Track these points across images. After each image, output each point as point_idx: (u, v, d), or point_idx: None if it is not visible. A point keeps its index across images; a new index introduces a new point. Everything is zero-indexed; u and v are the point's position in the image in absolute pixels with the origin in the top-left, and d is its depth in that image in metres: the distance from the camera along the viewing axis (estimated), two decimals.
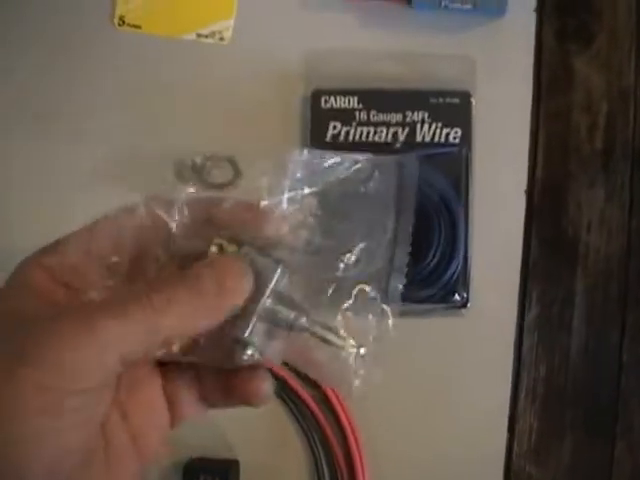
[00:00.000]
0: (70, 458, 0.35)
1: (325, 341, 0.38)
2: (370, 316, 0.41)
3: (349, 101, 0.64)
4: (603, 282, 0.67)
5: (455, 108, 0.63)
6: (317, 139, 0.63)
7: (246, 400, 0.39)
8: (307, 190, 0.39)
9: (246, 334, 0.37)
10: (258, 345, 0.37)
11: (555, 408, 0.66)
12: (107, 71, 0.66)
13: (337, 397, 0.63)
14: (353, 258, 0.40)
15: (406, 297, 0.60)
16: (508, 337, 0.63)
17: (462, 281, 0.61)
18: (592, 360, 0.66)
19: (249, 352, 0.37)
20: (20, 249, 0.38)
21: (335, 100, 0.64)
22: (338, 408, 0.63)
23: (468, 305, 0.62)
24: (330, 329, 0.39)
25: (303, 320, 0.38)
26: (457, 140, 0.63)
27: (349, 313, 0.40)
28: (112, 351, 0.34)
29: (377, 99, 0.64)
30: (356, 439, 0.62)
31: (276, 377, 0.63)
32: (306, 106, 0.64)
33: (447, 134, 0.63)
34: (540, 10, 0.70)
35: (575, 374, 0.66)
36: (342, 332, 0.39)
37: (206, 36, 0.66)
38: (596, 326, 0.67)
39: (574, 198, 0.67)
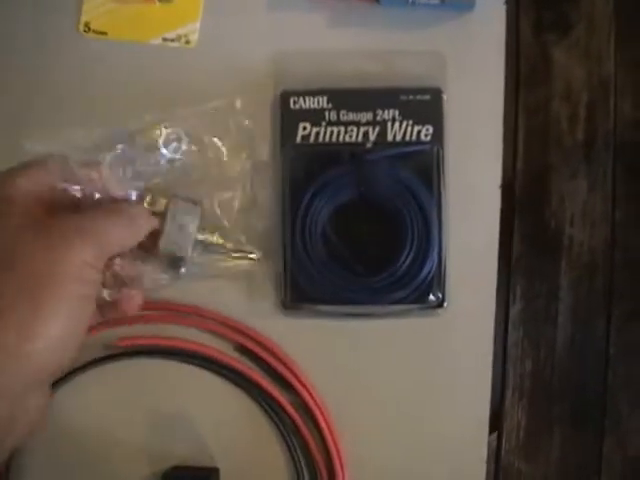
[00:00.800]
0: None
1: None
2: None
3: (318, 101, 0.63)
4: (588, 275, 0.67)
5: (426, 105, 0.62)
6: (287, 140, 0.63)
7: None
8: None
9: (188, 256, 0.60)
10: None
11: (542, 403, 0.65)
12: (73, 78, 0.65)
13: (316, 402, 0.62)
14: None
15: (380, 299, 0.60)
16: (486, 336, 0.62)
17: (437, 281, 0.60)
18: (578, 353, 0.66)
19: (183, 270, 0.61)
20: None
21: (304, 100, 0.63)
22: (317, 413, 0.62)
23: (444, 305, 0.61)
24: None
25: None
26: (429, 138, 0.62)
27: None
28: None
29: (346, 98, 0.62)
30: (335, 444, 0.61)
31: (254, 384, 0.62)
32: (275, 107, 0.63)
33: (418, 132, 0.62)
34: (516, 1, 0.69)
35: (561, 368, 0.65)
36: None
37: (172, 40, 0.65)
38: (582, 319, 0.66)
39: (556, 190, 0.67)
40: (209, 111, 0.64)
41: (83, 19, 0.66)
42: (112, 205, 0.55)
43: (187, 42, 0.65)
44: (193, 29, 0.65)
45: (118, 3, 0.66)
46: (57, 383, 0.62)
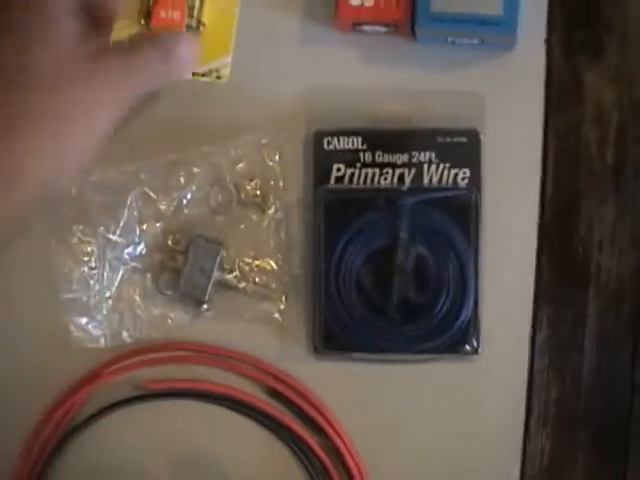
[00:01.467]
0: None
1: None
2: None
3: (353, 142, 0.61)
4: (615, 302, 0.66)
5: (463, 147, 0.61)
6: (320, 181, 0.61)
7: None
8: None
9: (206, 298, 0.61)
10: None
11: (567, 430, 0.65)
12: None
13: (346, 446, 0.61)
14: None
15: (414, 347, 0.60)
16: (520, 382, 0.62)
17: (473, 328, 0.59)
18: (604, 381, 0.65)
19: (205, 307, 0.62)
20: None
21: (338, 141, 0.61)
22: (347, 457, 0.61)
23: (479, 351, 0.60)
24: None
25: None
26: (466, 181, 0.61)
27: None
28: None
29: (382, 139, 0.61)
30: None
31: (284, 427, 0.62)
32: (308, 147, 0.62)
33: (455, 175, 0.61)
34: (548, 22, 0.68)
35: (587, 396, 0.65)
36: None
37: (203, 74, 0.63)
38: (608, 347, 0.65)
39: (585, 216, 0.66)
40: (238, 148, 0.62)
41: None
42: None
43: (218, 77, 0.63)
44: (225, 63, 0.64)
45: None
46: (86, 423, 0.62)
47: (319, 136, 0.62)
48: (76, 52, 0.47)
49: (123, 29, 0.61)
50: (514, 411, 0.62)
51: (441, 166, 0.61)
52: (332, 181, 0.61)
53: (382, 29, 0.62)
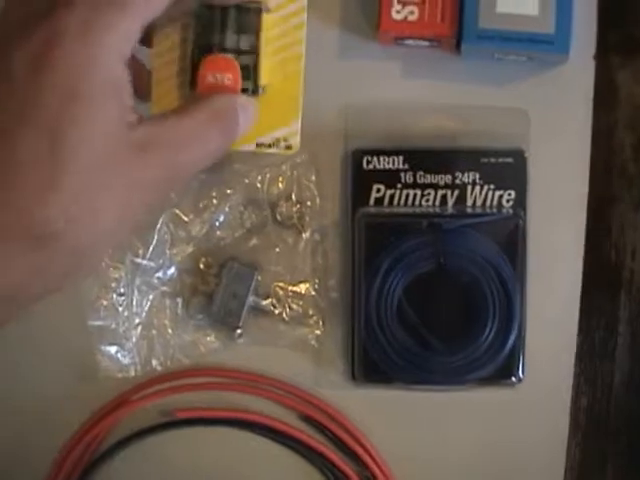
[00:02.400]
0: None
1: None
2: None
3: (393, 161, 0.59)
4: None
5: (508, 168, 0.58)
6: (360, 202, 0.59)
7: None
8: None
9: (240, 324, 0.59)
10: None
11: (598, 439, 0.64)
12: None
13: (385, 475, 0.60)
14: None
15: (458, 379, 0.57)
16: (563, 411, 0.60)
17: (518, 359, 0.57)
18: (636, 390, 0.64)
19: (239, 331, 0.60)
20: None
21: (378, 160, 0.59)
22: None
23: (522, 380, 0.58)
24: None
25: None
26: (510, 203, 0.58)
27: None
28: None
29: (424, 159, 0.58)
30: None
31: (319, 454, 0.60)
32: (347, 166, 0.59)
33: (500, 197, 0.58)
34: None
35: (618, 404, 0.64)
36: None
37: (269, 145, 0.52)
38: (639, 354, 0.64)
39: (618, 221, 0.64)
40: (273, 167, 0.60)
41: None
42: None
43: (288, 147, 0.53)
44: (294, 131, 0.53)
45: None
46: (114, 450, 0.60)
47: (358, 155, 0.59)
48: (121, 129, 0.40)
49: (165, 95, 0.52)
50: (556, 440, 0.60)
51: (485, 187, 0.58)
52: (371, 202, 0.59)
53: (425, 43, 0.59)
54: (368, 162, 0.59)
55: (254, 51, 0.51)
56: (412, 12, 0.57)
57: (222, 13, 0.51)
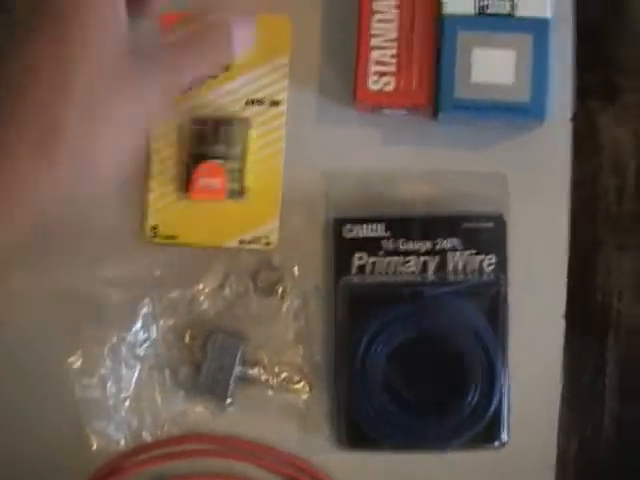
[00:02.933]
0: None
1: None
2: None
3: (374, 229, 0.59)
4: (635, 349, 0.65)
5: (489, 233, 0.59)
6: (342, 270, 0.59)
7: None
8: None
9: (228, 394, 0.59)
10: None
11: None
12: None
13: None
14: None
15: (443, 444, 0.58)
16: (549, 468, 0.61)
17: (502, 422, 0.58)
18: (626, 431, 0.64)
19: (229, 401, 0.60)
20: None
21: (360, 228, 0.59)
22: None
23: (506, 444, 0.59)
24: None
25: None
26: (491, 268, 0.59)
27: None
28: None
29: (405, 226, 0.59)
30: None
31: None
32: (328, 234, 0.60)
33: (481, 261, 0.59)
34: None
35: (608, 446, 0.64)
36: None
37: (250, 242, 0.60)
38: (629, 395, 0.65)
39: (603, 264, 0.64)
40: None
41: (149, 222, 0.61)
42: None
43: (267, 243, 0.60)
44: (273, 228, 0.60)
45: (186, 203, 0.60)
46: None
47: (339, 224, 0.59)
48: (122, 45, 0.44)
49: (159, 199, 0.60)
50: None
51: (466, 253, 0.59)
52: (354, 270, 0.59)
53: (403, 111, 0.59)
54: (349, 230, 0.59)
55: (240, 159, 0.60)
56: (388, 83, 0.57)
57: (214, 127, 0.60)
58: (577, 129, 0.64)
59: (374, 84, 0.57)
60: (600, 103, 0.65)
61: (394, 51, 0.57)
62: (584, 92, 0.65)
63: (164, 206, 0.61)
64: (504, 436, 0.58)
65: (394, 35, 0.57)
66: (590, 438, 0.64)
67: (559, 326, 0.60)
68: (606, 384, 0.64)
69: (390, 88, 0.57)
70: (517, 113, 0.56)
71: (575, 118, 0.61)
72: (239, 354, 0.59)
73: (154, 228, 0.61)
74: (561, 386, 0.63)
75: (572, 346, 0.64)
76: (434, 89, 0.57)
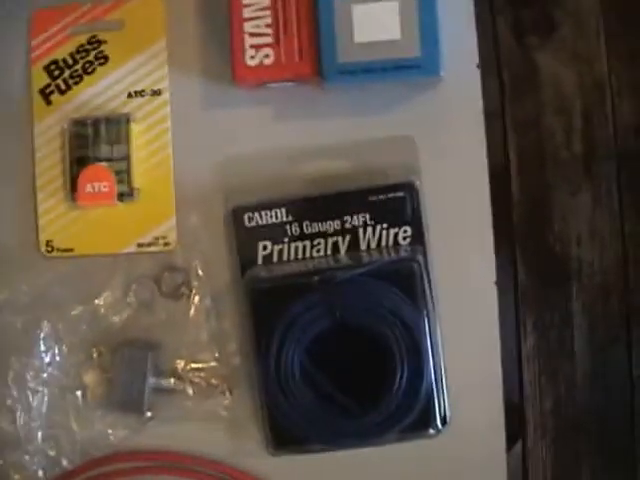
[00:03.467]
0: None
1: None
2: None
3: (276, 214, 0.54)
4: (602, 296, 0.61)
5: (400, 203, 0.54)
6: (247, 263, 0.55)
7: None
8: None
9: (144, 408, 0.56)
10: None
11: (567, 438, 0.61)
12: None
13: None
14: None
15: (375, 439, 0.54)
16: (498, 450, 0.56)
17: (436, 406, 0.53)
18: (601, 382, 0.61)
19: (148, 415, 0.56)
20: None
21: (260, 216, 0.55)
22: None
23: (442, 431, 0.54)
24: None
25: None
26: (407, 240, 0.54)
27: None
28: None
29: (308, 207, 0.54)
30: None
31: None
32: (228, 226, 0.55)
33: (395, 235, 0.54)
34: (490, 5, 0.61)
35: (584, 400, 0.61)
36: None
37: (149, 244, 0.56)
38: (600, 345, 0.61)
39: (558, 211, 0.60)
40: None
41: (43, 238, 0.57)
42: None
43: (166, 244, 0.56)
44: (170, 227, 0.56)
45: (77, 212, 0.56)
46: None
47: (238, 212, 0.55)
48: None
49: (50, 211, 0.56)
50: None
51: (378, 227, 0.54)
52: (260, 261, 0.55)
53: (289, 83, 0.54)
54: (250, 219, 0.55)
55: (126, 158, 0.56)
56: (267, 55, 0.52)
57: (94, 127, 0.56)
58: (514, 69, 0.60)
59: (251, 59, 0.52)
60: (537, 39, 0.61)
61: (269, 20, 0.52)
62: (519, 29, 0.61)
63: (56, 218, 0.57)
64: (439, 423, 0.54)
65: (267, 2, 0.52)
66: (564, 395, 0.61)
67: (492, 294, 0.55)
68: (575, 336, 0.61)
69: (270, 61, 0.52)
70: (409, 70, 0.51)
71: (495, 23, 0.56)
72: (149, 365, 0.55)
73: (49, 242, 0.57)
74: (528, 346, 0.59)
75: (534, 300, 0.60)
76: (317, 57, 0.52)
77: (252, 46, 0.52)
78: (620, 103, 0.64)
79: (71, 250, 0.57)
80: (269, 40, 0.52)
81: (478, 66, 0.55)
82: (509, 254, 0.63)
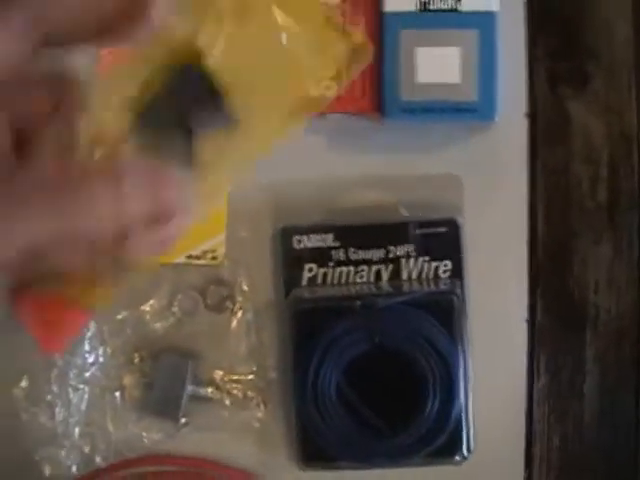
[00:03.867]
0: None
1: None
2: None
3: (324, 239, 0.57)
4: (615, 343, 0.63)
5: (443, 238, 0.56)
6: (292, 283, 0.57)
7: None
8: None
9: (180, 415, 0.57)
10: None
11: (572, 477, 0.63)
12: None
13: None
14: None
15: (403, 460, 0.56)
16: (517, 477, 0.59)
17: (464, 435, 0.56)
18: (607, 426, 0.63)
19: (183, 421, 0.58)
20: None
21: (308, 238, 0.57)
22: None
23: (468, 458, 0.57)
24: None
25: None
26: (447, 274, 0.57)
27: None
28: None
29: (355, 235, 0.57)
30: None
31: None
32: (276, 245, 0.58)
33: (436, 268, 0.57)
34: (530, 55, 0.63)
35: (590, 441, 0.63)
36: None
37: (197, 257, 0.58)
38: (609, 390, 0.63)
39: (579, 257, 0.62)
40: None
41: None
42: None
43: (214, 257, 0.58)
44: (219, 242, 0.58)
45: None
46: None
47: (287, 233, 0.57)
48: None
49: None
50: None
51: (420, 259, 0.57)
52: (304, 282, 0.57)
53: (348, 115, 0.56)
54: (298, 241, 0.57)
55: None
56: (329, 87, 0.55)
57: None
58: (547, 117, 0.62)
59: (314, 90, 0.55)
60: (571, 90, 0.63)
61: None
62: (554, 79, 0.62)
63: None
64: (464, 451, 0.56)
65: None
66: (572, 434, 0.62)
67: (522, 331, 0.58)
68: (586, 380, 0.63)
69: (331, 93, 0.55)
70: (466, 113, 0.54)
71: (531, 114, 0.58)
72: (188, 374, 0.57)
73: None
74: (540, 385, 0.61)
75: (549, 342, 0.62)
76: (378, 92, 0.54)
77: None
78: None
79: None
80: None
81: (526, 115, 0.58)
82: (530, 295, 0.65)
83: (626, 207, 0.63)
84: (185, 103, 0.34)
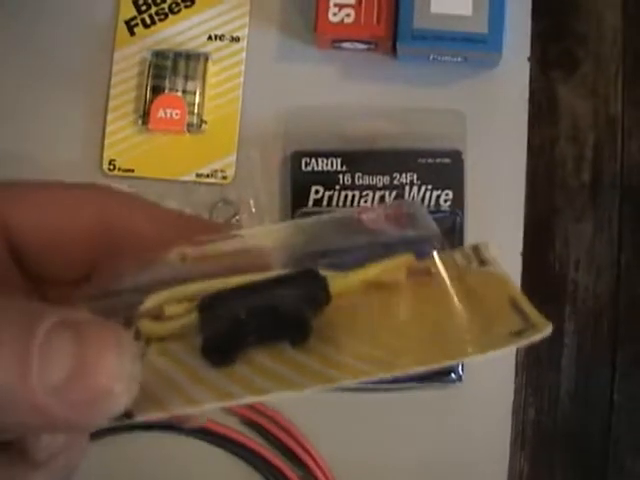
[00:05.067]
0: None
1: None
2: None
3: (332, 163, 0.59)
4: (593, 320, 0.64)
5: (446, 169, 0.59)
6: (298, 203, 0.59)
7: None
8: None
9: None
10: None
11: (546, 451, 0.63)
12: None
13: (326, 477, 0.59)
14: None
15: (396, 381, 0.57)
16: (505, 405, 0.60)
17: None
18: (582, 401, 0.64)
19: None
20: None
21: (316, 162, 0.59)
22: None
23: (463, 379, 0.58)
24: None
25: None
26: (448, 203, 0.59)
27: None
28: None
29: (362, 161, 0.59)
30: None
31: (260, 457, 0.59)
32: (286, 169, 0.60)
33: (437, 197, 0.59)
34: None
35: (565, 416, 0.63)
36: None
37: (207, 175, 0.60)
38: (586, 365, 0.64)
39: (561, 234, 0.64)
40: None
41: (107, 156, 0.60)
42: None
43: (224, 177, 0.60)
44: (229, 163, 0.60)
45: (144, 136, 0.60)
46: None
47: (297, 157, 0.59)
48: None
49: (117, 132, 0.60)
50: (499, 435, 0.60)
51: (423, 188, 0.59)
52: (310, 203, 0.59)
53: (362, 46, 0.59)
54: (307, 164, 0.59)
55: (199, 93, 0.60)
56: (348, 14, 0.58)
57: (173, 60, 0.60)
58: (537, 98, 0.64)
59: (334, 16, 0.58)
60: (561, 74, 0.66)
61: None
62: (545, 62, 0.65)
63: (122, 139, 0.60)
64: (460, 371, 0.57)
65: None
66: (547, 408, 0.63)
67: (516, 263, 0.60)
68: (563, 353, 0.64)
69: (350, 20, 0.58)
70: (475, 44, 0.57)
71: (538, 71, 0.62)
72: None
73: (112, 161, 0.60)
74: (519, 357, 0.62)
75: None
76: (394, 21, 0.58)
77: (336, 5, 0.58)
78: (629, 141, 0.69)
79: (132, 171, 0.60)
80: (352, 1, 0.58)
81: (529, 59, 0.61)
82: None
83: (608, 187, 0.65)
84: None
